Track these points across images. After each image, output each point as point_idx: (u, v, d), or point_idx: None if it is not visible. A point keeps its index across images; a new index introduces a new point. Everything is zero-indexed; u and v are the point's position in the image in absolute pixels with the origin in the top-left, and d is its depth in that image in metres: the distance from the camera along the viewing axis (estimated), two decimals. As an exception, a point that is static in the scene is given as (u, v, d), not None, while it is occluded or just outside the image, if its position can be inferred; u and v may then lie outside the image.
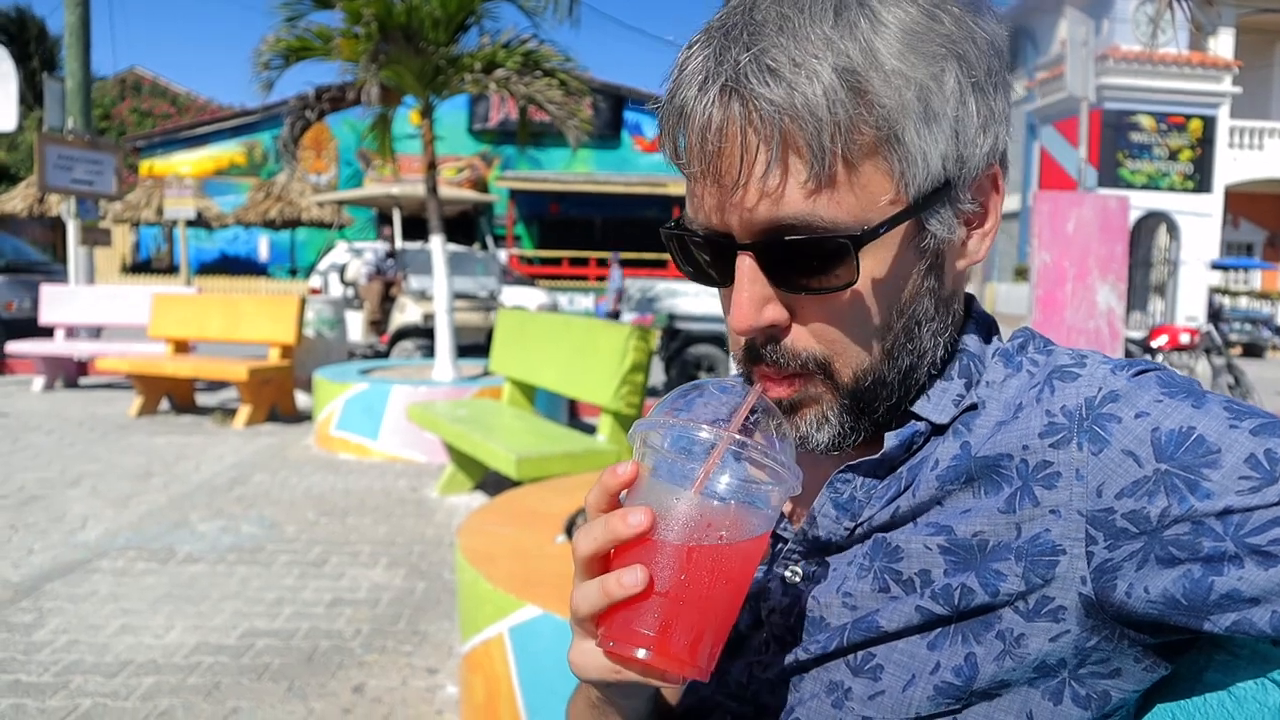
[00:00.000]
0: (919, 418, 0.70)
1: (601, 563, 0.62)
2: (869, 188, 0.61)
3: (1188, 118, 17.75)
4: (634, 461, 0.61)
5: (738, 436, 0.60)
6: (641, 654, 0.59)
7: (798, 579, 0.72)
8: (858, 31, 0.59)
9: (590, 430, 5.46)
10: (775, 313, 0.64)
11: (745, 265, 0.63)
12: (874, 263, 0.63)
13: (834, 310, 0.64)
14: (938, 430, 0.70)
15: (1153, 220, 18.13)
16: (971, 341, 0.73)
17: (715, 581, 0.60)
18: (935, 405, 0.70)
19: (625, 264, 20.71)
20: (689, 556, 0.59)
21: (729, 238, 0.64)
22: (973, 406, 0.70)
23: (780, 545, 0.73)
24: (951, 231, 0.66)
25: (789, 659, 0.70)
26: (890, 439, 0.70)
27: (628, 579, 0.58)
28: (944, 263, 0.68)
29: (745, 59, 0.59)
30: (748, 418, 0.63)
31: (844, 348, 0.65)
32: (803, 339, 0.65)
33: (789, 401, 0.67)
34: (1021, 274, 19.26)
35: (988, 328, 0.75)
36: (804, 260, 0.62)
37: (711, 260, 0.67)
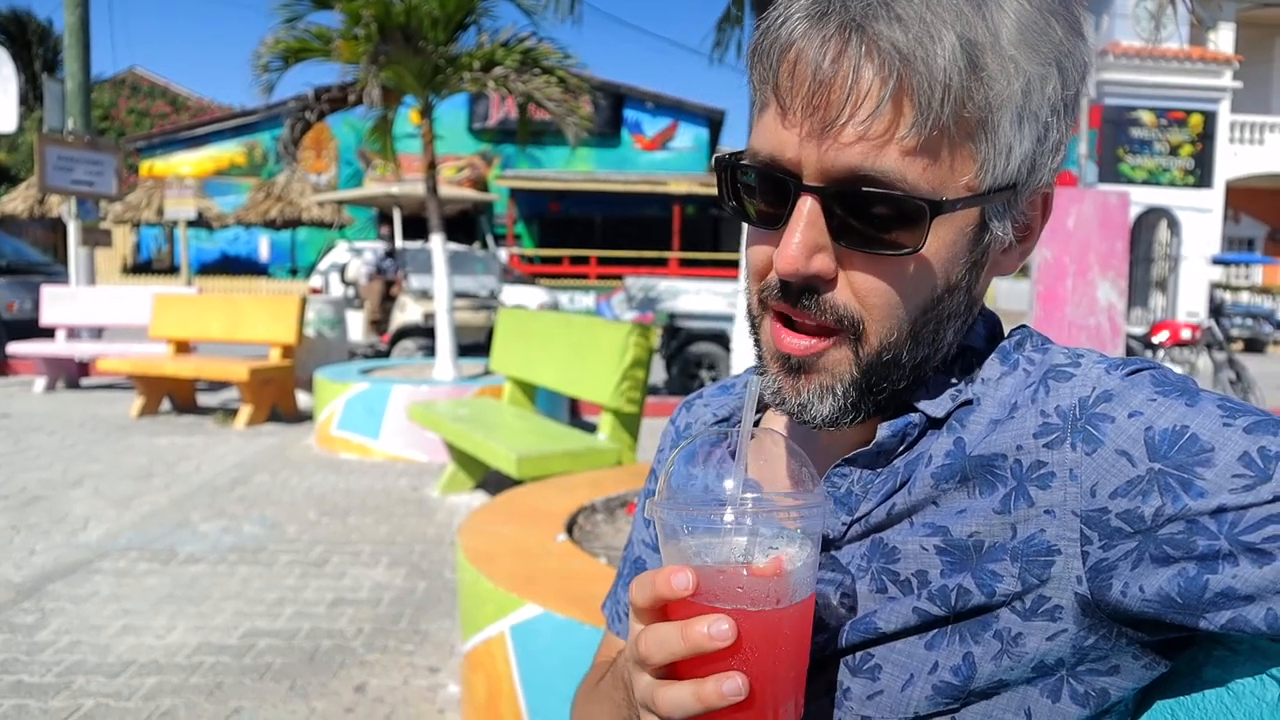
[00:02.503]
0: (915, 409, 0.70)
1: (668, 667, 0.60)
2: (954, 165, 0.61)
3: (1188, 113, 17.71)
4: (692, 572, 0.58)
5: (758, 501, 0.59)
6: None
7: None
8: (985, 9, 0.59)
9: (591, 429, 5.46)
10: (823, 263, 0.63)
11: (806, 207, 0.62)
12: (936, 240, 0.63)
13: (883, 274, 0.63)
14: (934, 424, 0.70)
15: (1153, 216, 18.10)
16: (974, 338, 0.73)
17: (793, 639, 0.59)
18: (932, 398, 0.70)
19: (625, 263, 20.73)
20: (772, 628, 0.58)
21: (794, 177, 0.63)
22: (968, 402, 0.70)
23: None
24: (1006, 234, 0.67)
25: None
26: (883, 429, 0.70)
27: (728, 687, 0.56)
28: (985, 264, 0.68)
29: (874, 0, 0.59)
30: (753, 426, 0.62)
31: (882, 314, 0.64)
32: (844, 295, 0.64)
33: (799, 361, 0.66)
34: (1023, 270, 19.23)
35: (992, 326, 0.75)
36: (874, 216, 0.61)
37: (765, 196, 0.65)
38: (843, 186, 0.61)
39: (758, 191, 0.66)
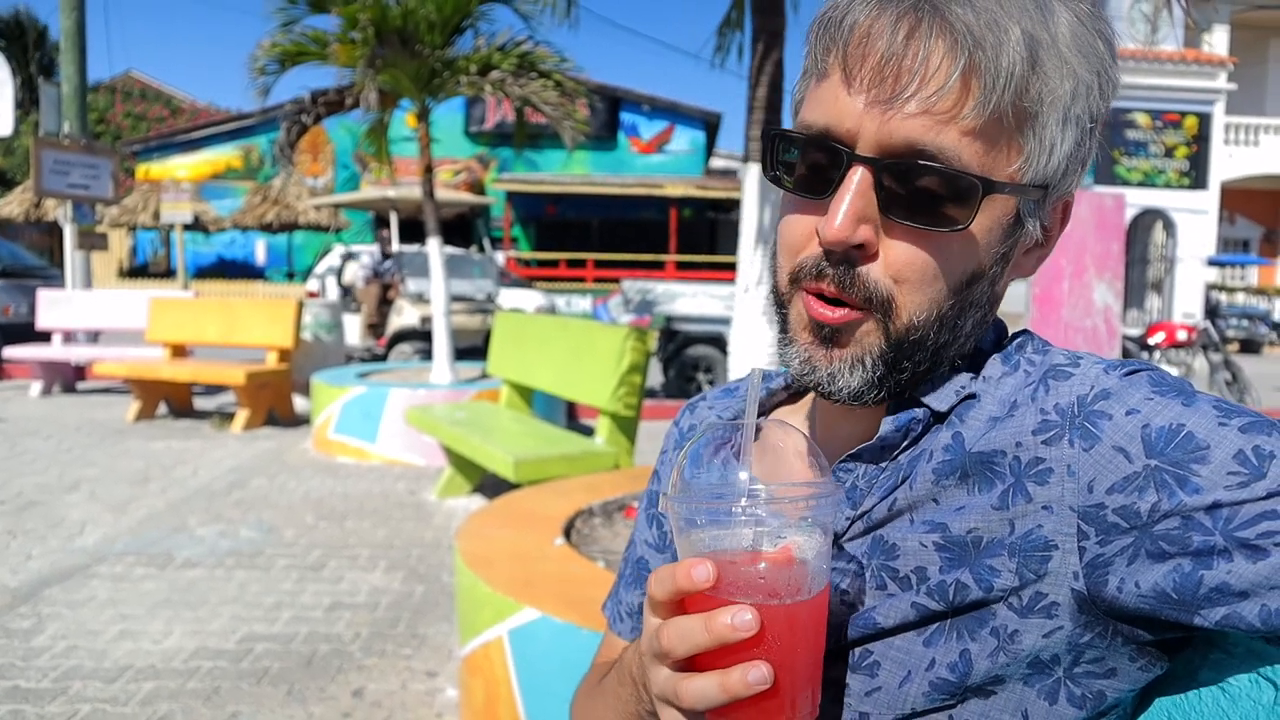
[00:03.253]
0: (919, 404, 0.71)
1: (687, 660, 0.60)
2: (1003, 154, 0.64)
3: (1183, 114, 17.76)
4: (712, 564, 0.58)
5: (772, 491, 0.59)
6: None
7: None
8: (1046, 12, 0.63)
9: (588, 432, 5.46)
10: (868, 233, 0.64)
11: (858, 177, 0.63)
12: (980, 221, 0.65)
13: (924, 248, 0.65)
14: (937, 419, 0.71)
15: (1149, 217, 18.15)
16: (984, 341, 0.75)
17: (812, 629, 0.60)
18: (937, 393, 0.71)
19: (622, 265, 20.73)
20: (793, 619, 0.58)
21: (848, 147, 0.64)
22: (971, 397, 0.71)
23: None
24: (1035, 231, 0.69)
25: None
26: (887, 423, 0.71)
27: (754, 676, 0.57)
28: (1011, 259, 0.70)
29: None
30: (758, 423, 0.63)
31: (914, 291, 0.65)
32: (877, 271, 0.65)
33: (831, 329, 0.67)
34: (1019, 272, 19.24)
35: (1000, 332, 0.77)
36: (925, 190, 0.63)
37: (815, 166, 0.67)
38: (899, 159, 0.63)
39: (806, 161, 0.68)
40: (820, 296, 0.67)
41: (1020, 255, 0.71)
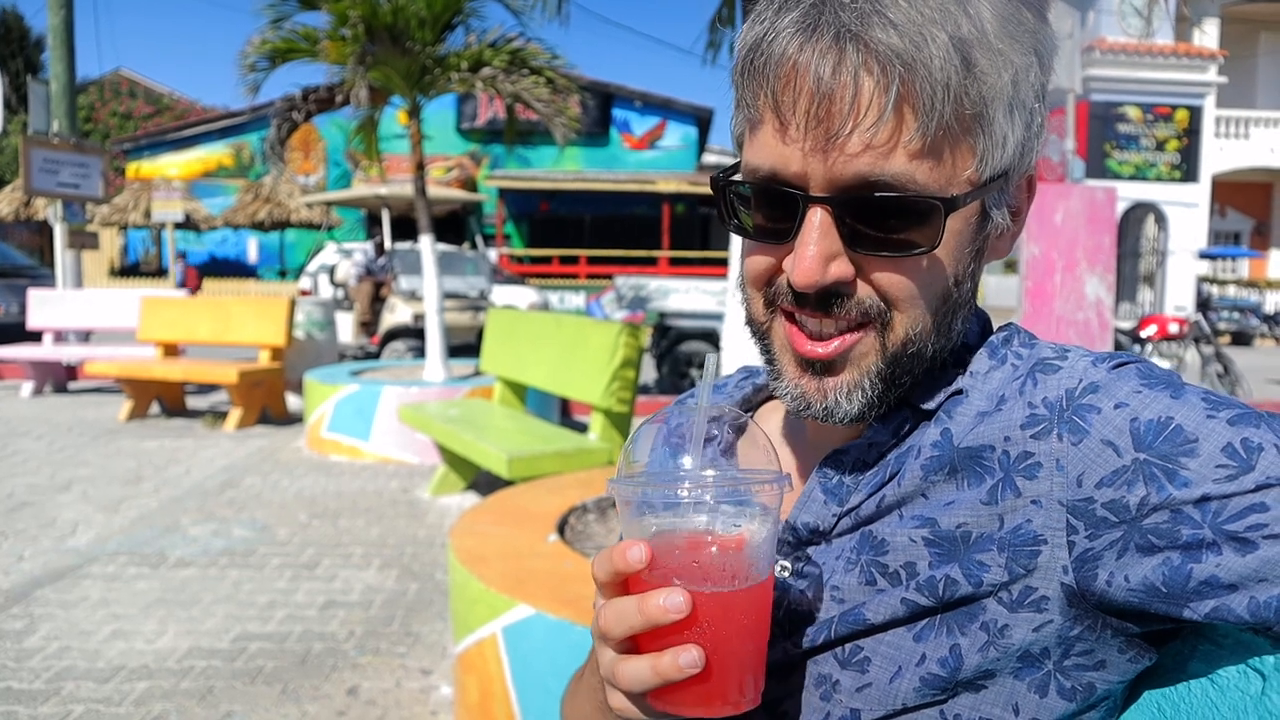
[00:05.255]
0: (906, 403, 0.71)
1: (630, 642, 0.61)
2: (957, 160, 0.62)
3: (1174, 108, 17.80)
4: (645, 545, 0.59)
5: (717, 477, 0.60)
6: (697, 712, 0.59)
7: (786, 573, 0.72)
8: (968, 5, 0.60)
9: (582, 429, 5.46)
10: (841, 268, 0.64)
11: (817, 218, 0.62)
12: (948, 235, 0.64)
13: (901, 272, 0.64)
14: (924, 416, 0.71)
15: (1140, 211, 18.19)
16: (968, 335, 0.74)
17: (751, 617, 0.60)
18: (923, 391, 0.71)
19: (615, 262, 20.71)
20: (729, 606, 0.59)
21: (800, 190, 0.63)
22: (958, 393, 0.71)
23: None
24: (1004, 220, 0.69)
25: (778, 653, 0.70)
26: (875, 422, 0.71)
27: (684, 659, 0.57)
28: (985, 251, 0.70)
29: (865, 7, 0.59)
30: (709, 428, 0.63)
31: (907, 306, 0.65)
32: (865, 292, 0.65)
33: (825, 363, 0.67)
34: (1011, 266, 19.31)
35: (984, 323, 0.77)
36: (886, 220, 0.62)
37: (770, 211, 0.66)
38: (853, 194, 0.62)
39: (761, 208, 0.66)
40: (804, 329, 0.67)
41: (994, 240, 0.71)
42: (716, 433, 0.75)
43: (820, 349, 0.66)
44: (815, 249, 0.62)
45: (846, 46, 0.59)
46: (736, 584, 0.59)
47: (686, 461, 0.61)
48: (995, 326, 0.77)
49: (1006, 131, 0.63)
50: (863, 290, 0.65)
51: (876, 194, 0.61)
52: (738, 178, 0.68)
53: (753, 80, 0.64)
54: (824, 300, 0.65)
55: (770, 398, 0.86)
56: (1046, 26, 0.65)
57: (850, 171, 0.61)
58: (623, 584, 0.62)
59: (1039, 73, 0.65)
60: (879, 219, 0.62)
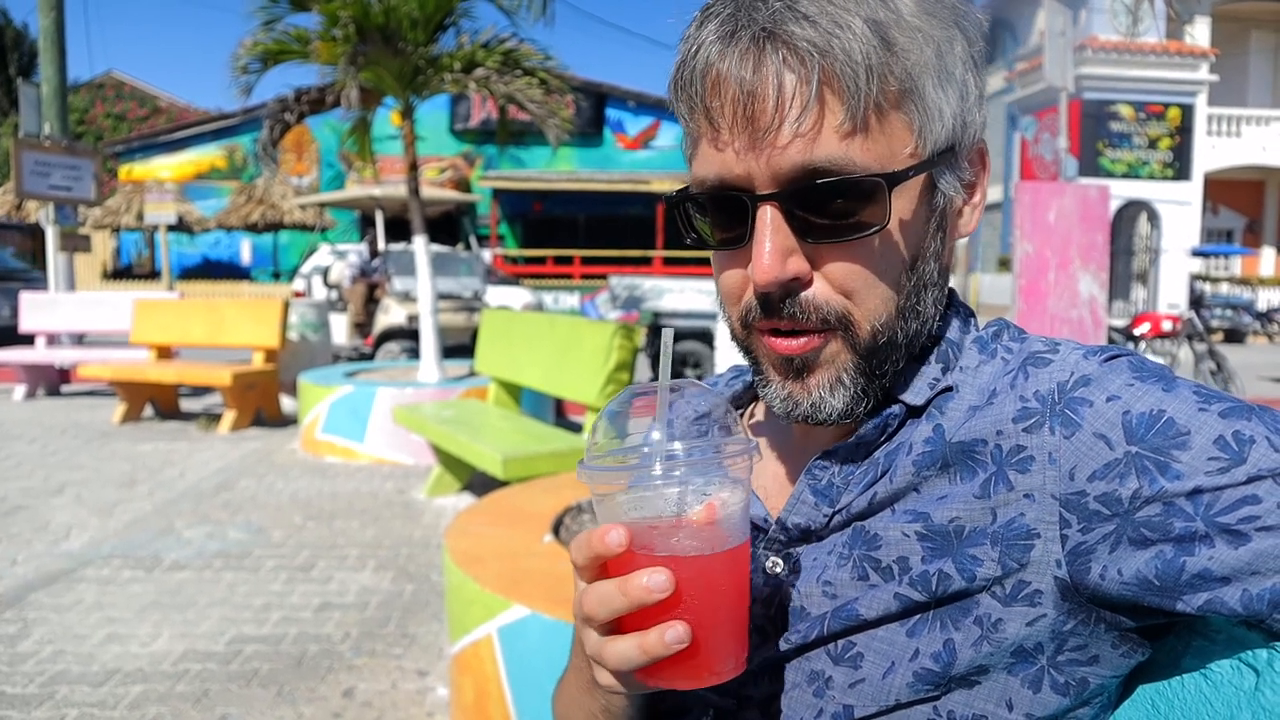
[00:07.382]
0: (894, 400, 0.71)
1: (613, 622, 0.62)
2: (893, 138, 0.63)
3: (1166, 106, 17.86)
4: (624, 529, 0.59)
5: (686, 452, 0.60)
6: (685, 685, 0.60)
7: (778, 570, 0.72)
8: None
9: (577, 429, 5.45)
10: (798, 264, 0.64)
11: (767, 216, 0.63)
12: (896, 212, 0.64)
13: (856, 259, 0.65)
14: (913, 413, 0.71)
15: (1133, 209, 18.25)
16: (950, 329, 0.74)
17: (730, 582, 0.61)
18: (910, 387, 0.71)
19: (609, 262, 20.71)
20: (709, 575, 0.59)
21: (747, 191, 0.64)
22: (948, 389, 0.71)
23: (760, 536, 0.74)
24: (957, 193, 0.69)
25: (770, 649, 0.70)
26: (865, 422, 0.71)
27: (670, 636, 0.58)
28: (946, 227, 0.70)
29: (778, 6, 0.61)
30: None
31: (864, 299, 0.66)
32: (823, 291, 0.65)
33: (800, 360, 0.67)
34: (1005, 265, 19.36)
35: (966, 317, 0.76)
36: (833, 205, 0.63)
37: (724, 219, 0.67)
38: (796, 185, 0.62)
39: (715, 218, 0.68)
40: (777, 332, 0.67)
41: (954, 217, 0.71)
42: (683, 406, 0.77)
43: (793, 344, 0.67)
44: (770, 244, 0.63)
45: (765, 46, 0.61)
46: (714, 549, 0.60)
47: (655, 436, 0.62)
48: (982, 324, 0.77)
49: (940, 104, 0.64)
50: (820, 290, 0.65)
51: (818, 180, 0.62)
52: (694, 191, 0.69)
53: (684, 95, 0.65)
54: (784, 301, 0.65)
55: (758, 396, 0.86)
56: (968, 2, 0.67)
57: (788, 163, 0.62)
58: (602, 567, 0.62)
59: (965, 45, 0.66)
60: (826, 205, 0.63)
